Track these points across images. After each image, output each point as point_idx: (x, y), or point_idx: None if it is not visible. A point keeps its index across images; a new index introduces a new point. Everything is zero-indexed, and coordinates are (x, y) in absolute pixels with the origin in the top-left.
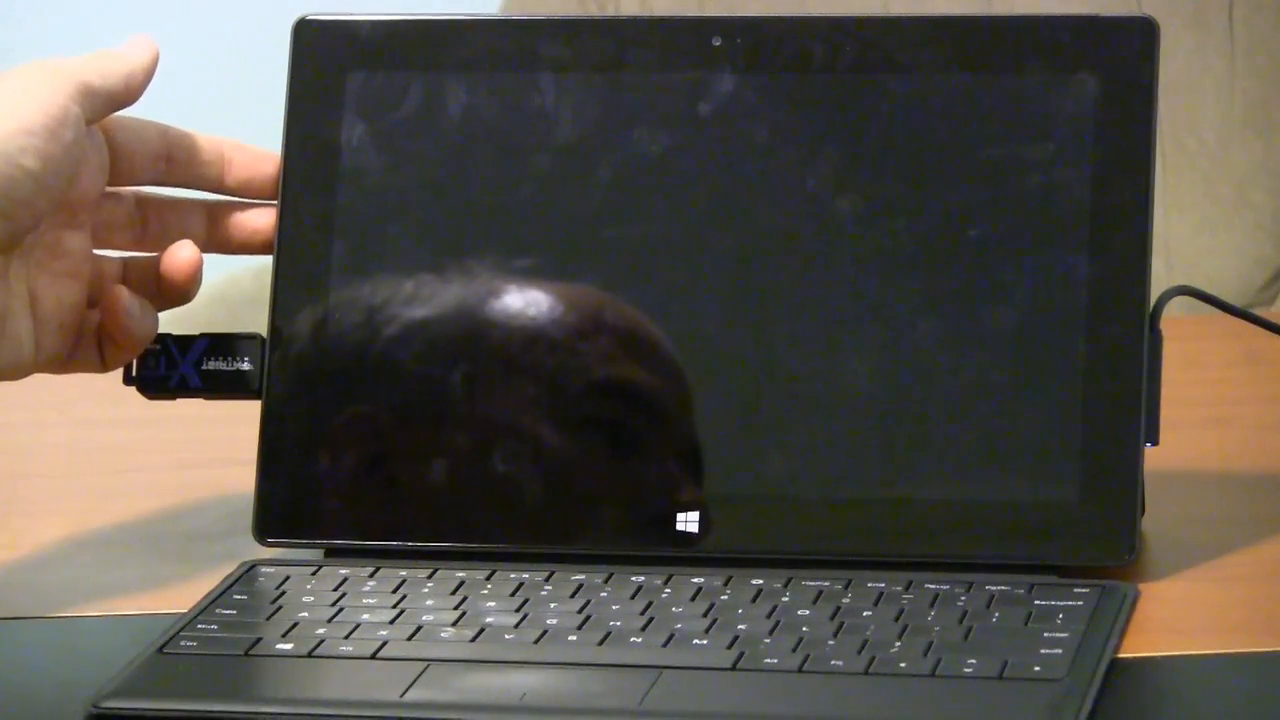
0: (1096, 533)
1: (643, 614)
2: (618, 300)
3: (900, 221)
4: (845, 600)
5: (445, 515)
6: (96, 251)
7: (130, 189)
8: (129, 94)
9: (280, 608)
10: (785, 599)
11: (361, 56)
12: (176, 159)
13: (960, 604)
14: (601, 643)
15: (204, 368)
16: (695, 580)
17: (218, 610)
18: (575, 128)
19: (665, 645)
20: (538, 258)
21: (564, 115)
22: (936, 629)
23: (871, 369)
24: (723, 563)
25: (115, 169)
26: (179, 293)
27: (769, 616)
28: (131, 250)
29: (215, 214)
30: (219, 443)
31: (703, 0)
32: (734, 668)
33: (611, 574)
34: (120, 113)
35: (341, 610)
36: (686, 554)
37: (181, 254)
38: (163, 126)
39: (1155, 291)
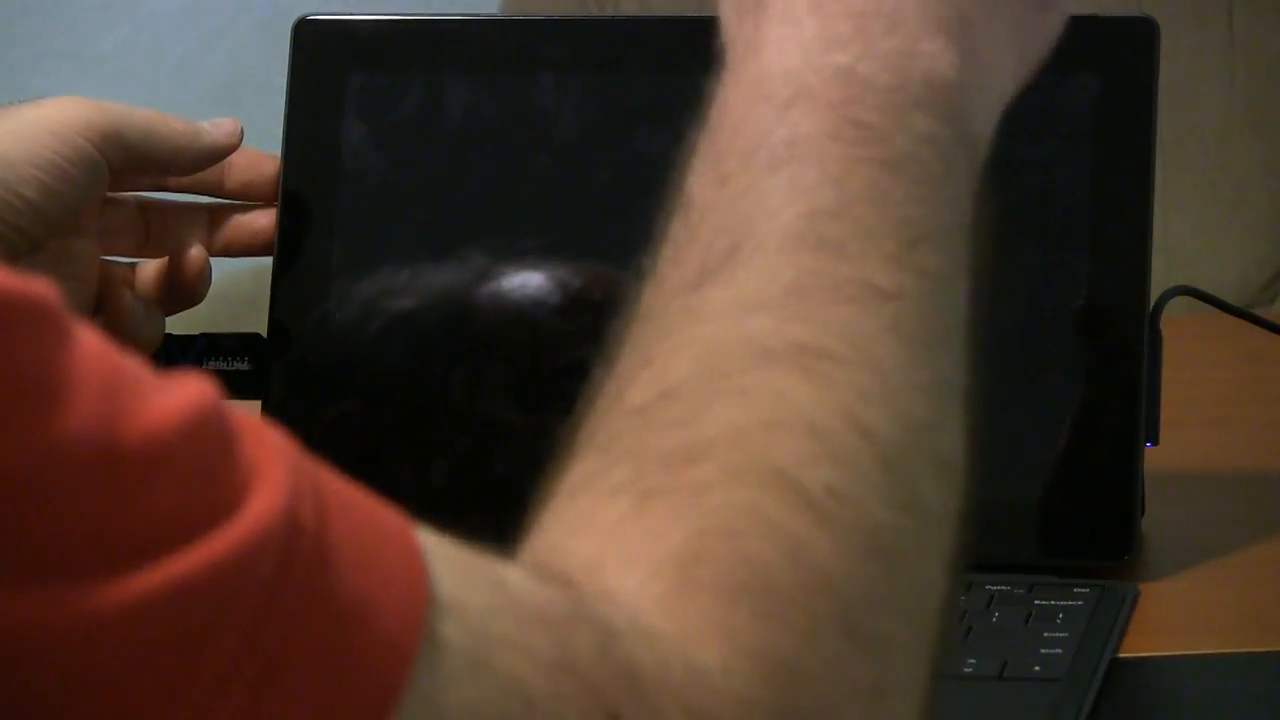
0: (1096, 533)
1: None
2: (616, 283)
3: None
4: None
5: (445, 515)
6: (105, 258)
7: (131, 194)
8: (176, 165)
9: None
10: None
11: (361, 56)
12: None
13: (960, 604)
14: None
15: (204, 368)
16: None
17: None
18: (575, 128)
19: None
20: (538, 257)
21: (564, 115)
22: None
23: None
24: None
25: (118, 176)
26: (189, 293)
27: None
28: (134, 255)
29: (217, 217)
30: None
31: (702, 0)
32: None
33: None
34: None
35: None
36: None
37: (191, 254)
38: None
39: (1155, 291)
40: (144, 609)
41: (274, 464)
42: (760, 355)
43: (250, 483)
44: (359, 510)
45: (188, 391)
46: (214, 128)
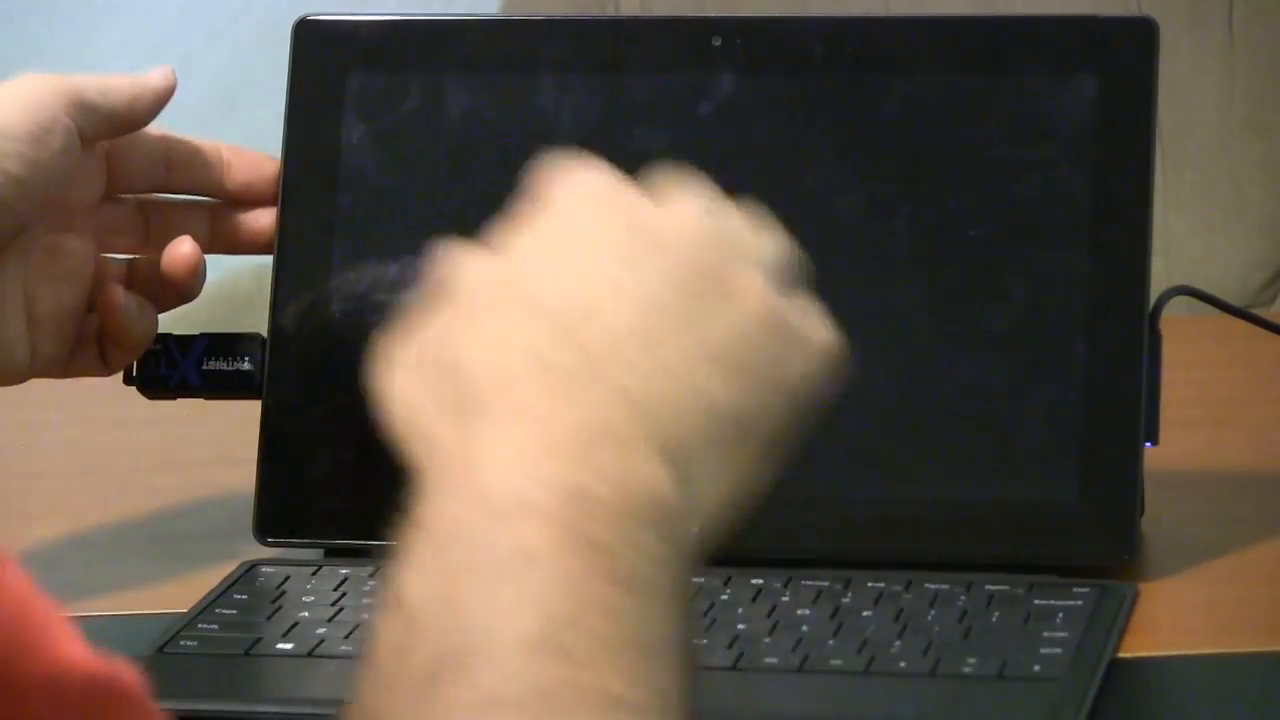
0: (1096, 533)
1: None
2: None
3: (900, 221)
4: (845, 600)
5: None
6: (104, 256)
7: (132, 194)
8: (132, 116)
9: (280, 608)
10: (785, 599)
11: (361, 56)
12: (176, 164)
13: (960, 604)
14: None
15: (204, 367)
16: (695, 580)
17: (218, 610)
18: (575, 128)
19: None
20: None
21: (564, 115)
22: (936, 629)
23: (871, 369)
24: (723, 563)
25: (114, 176)
26: (181, 290)
27: (769, 616)
28: (135, 254)
29: (218, 214)
30: (219, 443)
31: (702, 0)
32: (734, 667)
33: None
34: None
35: (341, 610)
36: None
37: (181, 250)
38: (161, 133)
39: (1155, 291)
40: None
41: None
42: None
43: None
44: None
45: (113, 661)
46: (148, 75)
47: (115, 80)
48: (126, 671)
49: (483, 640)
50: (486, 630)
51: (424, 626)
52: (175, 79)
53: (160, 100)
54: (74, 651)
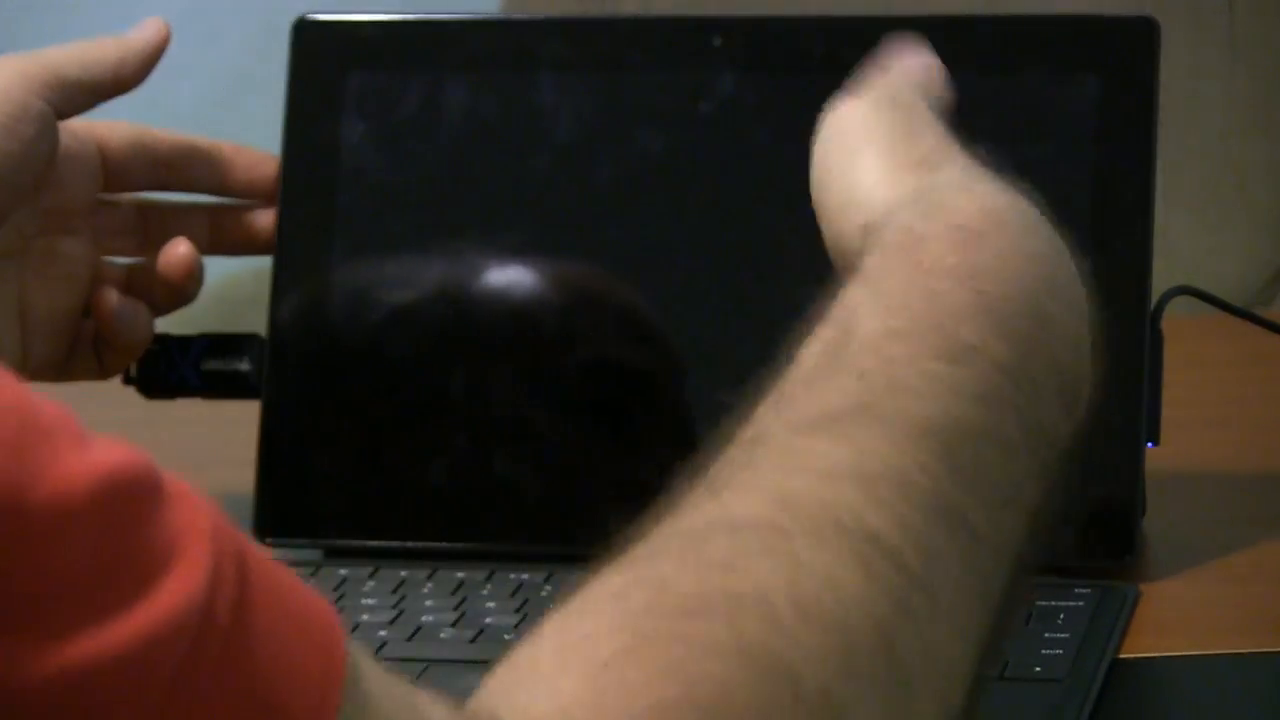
0: (1096, 533)
1: None
2: (617, 286)
3: None
4: None
5: (445, 515)
6: (103, 259)
7: (130, 195)
8: (119, 82)
9: None
10: None
11: (361, 56)
12: (176, 163)
13: None
14: None
15: (204, 368)
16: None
17: None
18: (575, 127)
19: None
20: (537, 257)
21: (564, 115)
22: None
23: None
24: None
25: (113, 177)
26: (178, 292)
27: None
28: (134, 256)
29: (217, 216)
30: (219, 443)
31: (702, 0)
32: None
33: None
34: (117, 121)
35: (341, 610)
36: None
37: (177, 252)
38: (160, 133)
39: (1156, 291)
40: (27, 695)
41: (198, 541)
42: (829, 528)
43: (168, 561)
44: (284, 598)
45: (111, 454)
46: (138, 31)
47: (98, 48)
48: (140, 458)
49: (883, 401)
50: (891, 396)
51: (853, 357)
52: (168, 31)
53: (151, 57)
54: (77, 462)
